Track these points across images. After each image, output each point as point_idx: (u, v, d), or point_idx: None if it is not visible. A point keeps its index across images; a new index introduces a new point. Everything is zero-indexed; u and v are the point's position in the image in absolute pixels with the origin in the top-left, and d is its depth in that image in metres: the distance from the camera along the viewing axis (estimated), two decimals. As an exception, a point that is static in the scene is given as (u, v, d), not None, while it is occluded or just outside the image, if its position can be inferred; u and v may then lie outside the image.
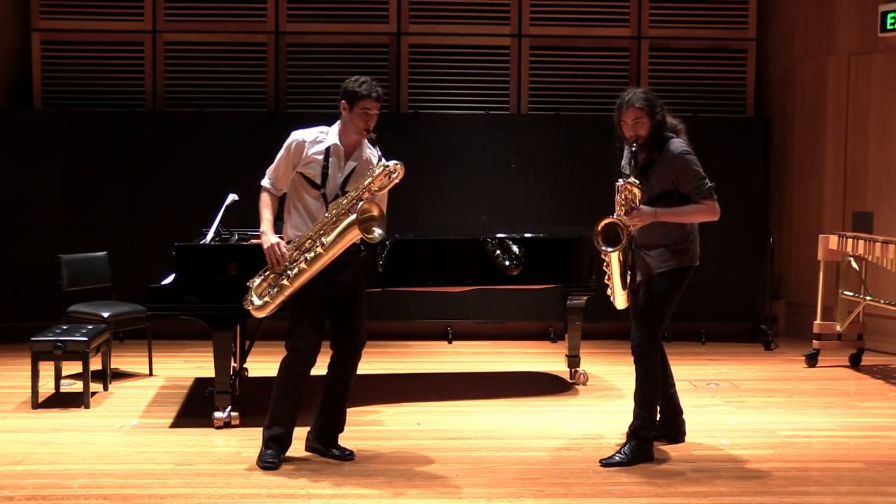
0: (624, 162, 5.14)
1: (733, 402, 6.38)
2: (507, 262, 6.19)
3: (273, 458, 4.94)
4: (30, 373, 6.02)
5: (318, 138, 4.95)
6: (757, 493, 4.67)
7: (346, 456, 5.08)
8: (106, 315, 6.72)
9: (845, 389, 6.77)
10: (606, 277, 5.13)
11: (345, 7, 8.55)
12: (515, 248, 6.21)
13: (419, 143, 8.17)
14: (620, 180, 4.96)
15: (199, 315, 5.60)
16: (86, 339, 6.08)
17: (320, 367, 5.07)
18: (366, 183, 4.80)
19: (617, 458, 5.04)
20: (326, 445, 5.12)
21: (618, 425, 5.46)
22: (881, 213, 7.98)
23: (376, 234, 4.74)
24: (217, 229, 6.08)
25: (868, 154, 8.12)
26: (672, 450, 5.28)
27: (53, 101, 8.39)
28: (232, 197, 6.20)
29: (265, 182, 5.04)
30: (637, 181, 4.92)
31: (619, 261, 5.03)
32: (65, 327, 6.30)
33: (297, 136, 4.98)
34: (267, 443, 4.99)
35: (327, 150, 4.91)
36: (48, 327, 6.27)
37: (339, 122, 4.97)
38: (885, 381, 7.03)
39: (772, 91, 8.78)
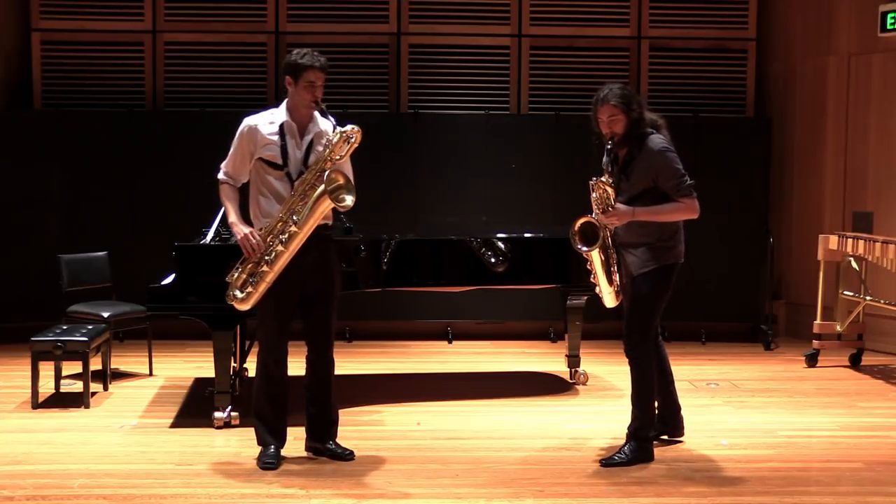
0: (605, 159, 5.11)
1: (733, 402, 6.38)
2: (493, 259, 6.19)
3: (273, 458, 4.94)
4: (30, 373, 6.02)
5: (269, 119, 4.94)
6: (757, 493, 4.67)
7: (346, 455, 5.06)
8: (106, 315, 6.72)
9: (845, 389, 6.77)
10: (592, 276, 5.13)
11: (345, 7, 8.55)
12: (501, 245, 6.21)
13: (419, 143, 8.16)
14: (593, 178, 4.95)
15: (199, 315, 5.59)
16: (86, 339, 6.08)
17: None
18: (326, 153, 4.77)
19: (617, 458, 5.03)
20: (324, 441, 5.10)
21: (617, 425, 5.46)
22: (881, 213, 7.98)
23: (348, 202, 4.70)
24: (217, 229, 6.07)
25: (868, 154, 8.12)
26: (672, 450, 5.28)
27: (53, 101, 8.39)
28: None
29: (221, 175, 4.99)
30: (609, 180, 4.91)
31: (601, 259, 5.03)
32: (65, 327, 6.30)
33: (247, 122, 4.97)
34: (263, 440, 4.99)
35: (281, 127, 4.89)
36: (48, 327, 6.27)
37: (286, 100, 4.96)
38: (885, 381, 7.03)
39: (772, 91, 8.78)
